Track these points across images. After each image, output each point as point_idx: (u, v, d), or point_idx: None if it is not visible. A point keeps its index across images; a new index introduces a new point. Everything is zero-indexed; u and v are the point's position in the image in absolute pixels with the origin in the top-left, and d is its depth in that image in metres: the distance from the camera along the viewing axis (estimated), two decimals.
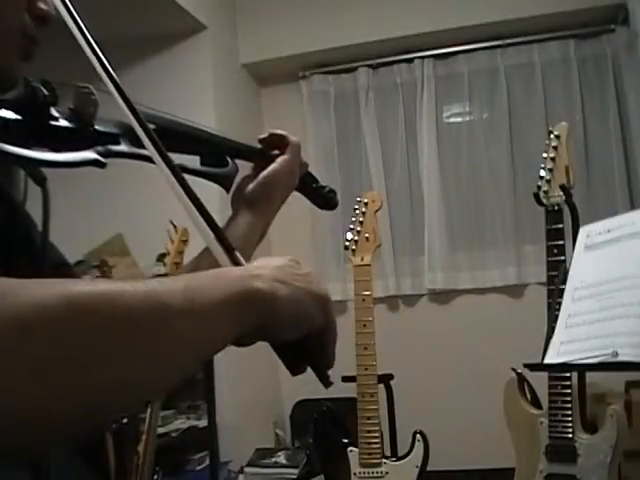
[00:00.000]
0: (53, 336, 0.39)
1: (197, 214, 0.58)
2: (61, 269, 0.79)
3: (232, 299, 0.49)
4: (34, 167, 0.55)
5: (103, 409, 0.43)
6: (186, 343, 0.46)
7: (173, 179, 0.57)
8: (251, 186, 0.95)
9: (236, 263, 0.58)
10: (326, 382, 0.61)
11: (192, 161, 0.84)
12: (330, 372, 0.62)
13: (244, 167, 0.99)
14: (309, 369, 0.62)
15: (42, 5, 0.62)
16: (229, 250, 0.59)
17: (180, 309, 0.45)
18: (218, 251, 0.58)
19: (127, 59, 3.39)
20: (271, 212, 0.96)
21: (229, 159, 0.92)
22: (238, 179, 0.95)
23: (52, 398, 0.39)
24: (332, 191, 1.08)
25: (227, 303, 0.49)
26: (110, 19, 3.19)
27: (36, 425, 0.39)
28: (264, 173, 0.95)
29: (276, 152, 0.97)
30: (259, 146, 0.98)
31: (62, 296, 0.41)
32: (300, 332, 0.56)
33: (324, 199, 1.08)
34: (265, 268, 0.55)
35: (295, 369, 0.60)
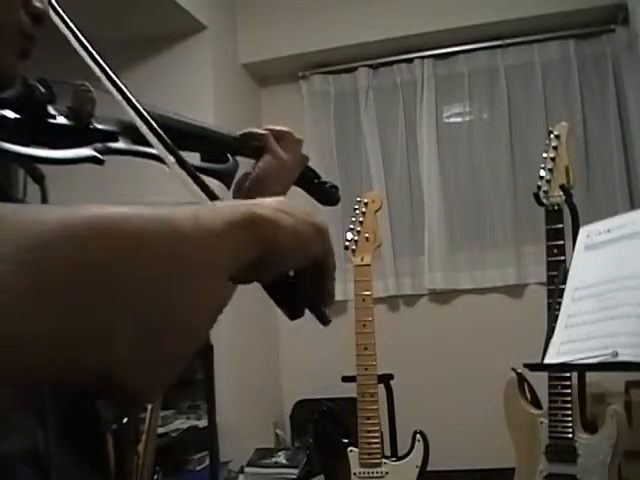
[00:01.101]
0: (62, 256, 0.39)
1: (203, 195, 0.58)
2: None
3: (237, 223, 0.49)
4: (32, 165, 0.55)
5: (112, 335, 0.42)
6: (194, 265, 0.46)
7: (175, 162, 0.57)
8: (247, 184, 0.95)
9: None
10: (325, 320, 0.61)
11: (192, 158, 0.84)
12: (328, 310, 0.61)
13: (245, 163, 0.99)
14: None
15: (38, 4, 0.62)
16: None
17: (190, 230, 0.46)
18: None
19: (127, 59, 3.39)
20: None
21: (229, 155, 0.92)
22: (238, 175, 0.95)
23: (61, 324, 0.38)
24: (334, 187, 1.08)
25: (232, 226, 0.49)
26: (110, 19, 3.19)
27: (38, 355, 0.38)
28: (258, 166, 0.95)
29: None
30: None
31: (72, 216, 0.40)
32: (300, 261, 0.56)
33: (326, 195, 1.07)
34: (266, 201, 0.55)
35: (294, 312, 0.59)
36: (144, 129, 0.58)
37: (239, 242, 0.49)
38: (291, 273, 0.58)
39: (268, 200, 0.55)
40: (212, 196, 0.59)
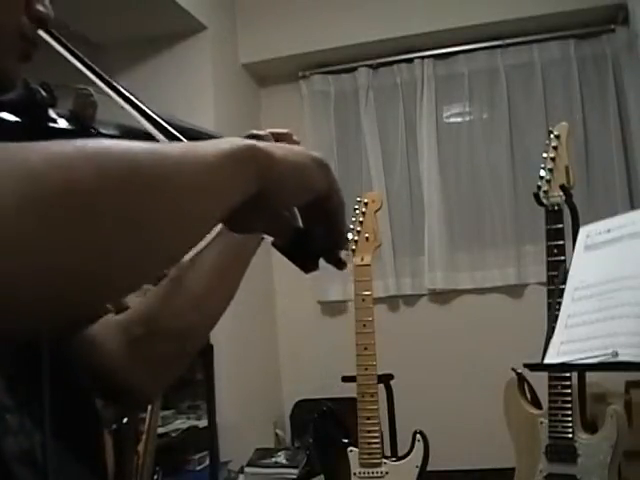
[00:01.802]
0: (63, 189, 0.38)
1: None
2: None
3: (232, 153, 0.49)
4: None
5: (111, 264, 0.42)
6: (191, 196, 0.46)
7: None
8: None
9: None
10: (341, 265, 0.59)
11: None
12: (343, 254, 0.59)
13: None
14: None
15: (40, 7, 0.62)
16: None
17: (185, 159, 0.46)
18: None
19: (127, 59, 3.39)
20: None
21: None
22: None
23: (60, 251, 0.38)
24: None
25: (227, 156, 0.49)
26: (110, 19, 3.20)
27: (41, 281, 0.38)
28: None
29: None
30: None
31: (73, 148, 0.40)
32: (303, 195, 0.55)
33: None
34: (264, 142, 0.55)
35: (308, 264, 0.57)
36: (151, 129, 0.58)
37: (235, 171, 0.49)
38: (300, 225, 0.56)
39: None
40: None
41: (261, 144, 0.52)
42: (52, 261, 0.38)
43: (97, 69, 0.62)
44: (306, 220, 0.57)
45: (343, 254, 0.59)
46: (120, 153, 0.42)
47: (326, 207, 0.57)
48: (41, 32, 0.62)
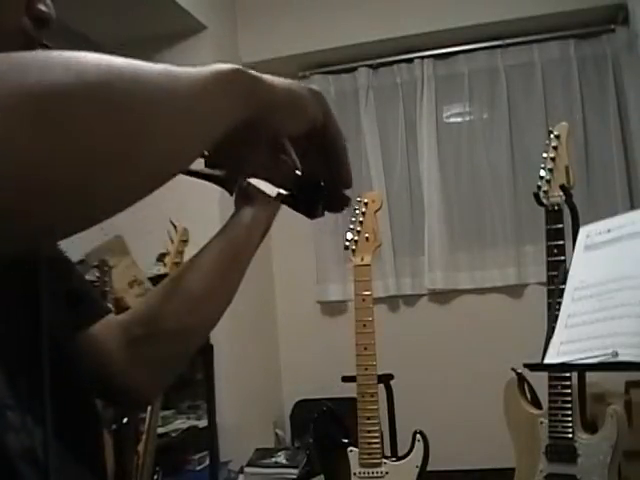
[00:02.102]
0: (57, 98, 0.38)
1: None
2: (61, 264, 0.79)
3: (214, 74, 0.48)
4: None
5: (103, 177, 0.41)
6: (167, 119, 0.44)
7: None
8: (250, 187, 0.94)
9: None
10: (347, 202, 0.57)
11: (197, 163, 0.83)
12: (348, 192, 0.57)
13: None
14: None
15: (42, 7, 0.62)
16: None
17: (165, 79, 0.45)
18: None
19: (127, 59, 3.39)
20: (270, 205, 0.95)
21: None
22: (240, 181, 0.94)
23: (37, 156, 0.37)
24: None
25: (210, 80, 0.47)
26: (110, 19, 3.19)
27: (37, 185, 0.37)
28: None
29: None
30: None
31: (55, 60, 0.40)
32: (299, 123, 0.53)
33: None
34: None
35: (312, 209, 0.56)
36: None
37: (219, 92, 0.48)
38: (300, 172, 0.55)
39: None
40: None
41: (248, 69, 0.51)
42: (29, 169, 0.36)
43: None
44: (306, 163, 0.55)
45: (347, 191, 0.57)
46: (100, 63, 0.41)
47: (324, 140, 0.56)
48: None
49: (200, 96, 0.47)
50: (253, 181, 0.73)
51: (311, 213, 0.56)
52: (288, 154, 0.56)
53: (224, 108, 0.48)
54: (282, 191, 0.57)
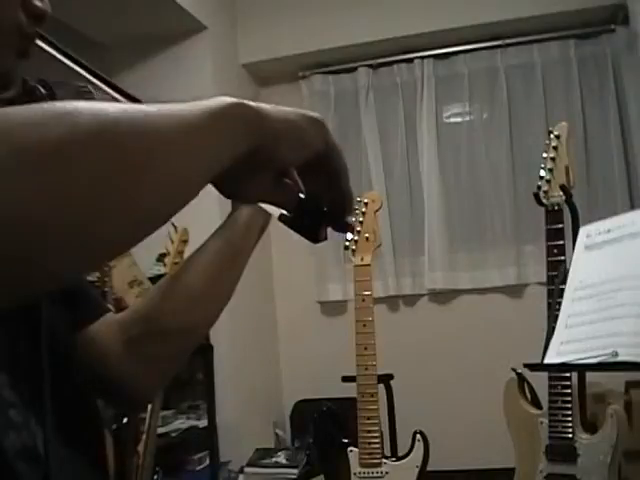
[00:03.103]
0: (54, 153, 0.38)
1: None
2: None
3: (214, 112, 0.48)
4: None
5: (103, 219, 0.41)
6: (166, 160, 0.45)
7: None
8: None
9: None
10: (348, 229, 0.58)
11: None
12: (349, 219, 0.57)
13: None
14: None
15: (37, 3, 0.62)
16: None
17: (162, 119, 0.45)
18: None
19: (127, 59, 3.39)
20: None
21: None
22: None
23: (33, 202, 0.38)
24: None
25: (209, 116, 0.48)
26: (110, 19, 3.20)
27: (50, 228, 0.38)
28: None
29: None
30: None
31: (49, 112, 0.40)
32: (299, 152, 0.54)
33: None
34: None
35: (315, 233, 0.56)
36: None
37: (220, 129, 0.48)
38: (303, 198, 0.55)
39: None
40: None
41: (251, 103, 0.51)
42: (23, 213, 0.37)
43: (94, 69, 0.61)
44: (309, 187, 0.56)
45: (349, 219, 0.58)
46: (93, 110, 0.41)
47: (327, 168, 0.56)
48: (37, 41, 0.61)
49: (202, 134, 0.47)
50: None
51: (313, 237, 0.57)
52: (291, 177, 0.56)
53: (226, 144, 0.49)
54: (285, 212, 0.57)
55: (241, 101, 0.50)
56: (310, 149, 0.54)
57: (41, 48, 0.60)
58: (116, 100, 0.60)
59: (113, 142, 0.41)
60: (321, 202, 0.56)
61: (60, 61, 0.60)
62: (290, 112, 0.54)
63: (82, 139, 0.40)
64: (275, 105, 0.54)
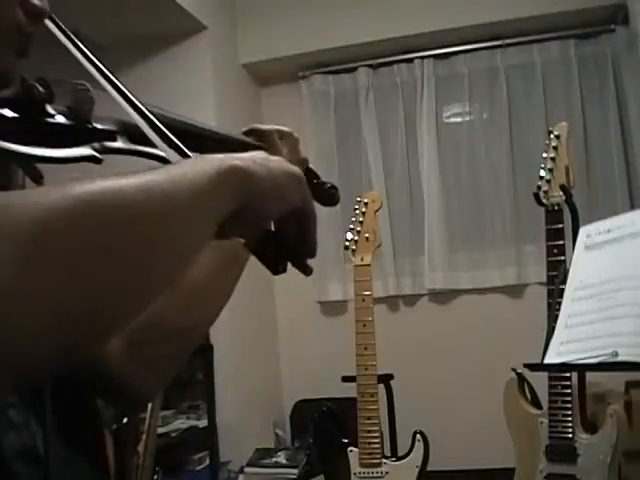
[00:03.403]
0: (63, 238, 0.41)
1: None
2: None
3: (215, 177, 0.52)
4: (30, 164, 0.55)
5: (111, 306, 0.44)
6: (179, 227, 0.48)
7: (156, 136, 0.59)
8: None
9: None
10: (307, 271, 0.61)
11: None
12: (309, 262, 0.62)
13: None
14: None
15: (36, 1, 0.62)
16: None
17: (177, 192, 0.48)
18: None
19: (127, 59, 3.39)
20: None
21: None
22: None
23: (65, 299, 0.40)
24: (333, 187, 1.08)
25: (211, 181, 0.51)
26: (110, 19, 3.19)
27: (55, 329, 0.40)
28: None
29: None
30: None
31: (65, 198, 0.42)
32: (279, 209, 0.58)
33: (325, 195, 1.07)
34: (240, 154, 0.57)
35: (276, 266, 0.60)
36: (144, 127, 0.58)
37: (219, 194, 0.52)
38: (272, 228, 0.59)
39: (243, 154, 0.57)
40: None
41: (242, 162, 0.54)
42: (55, 302, 0.40)
43: (95, 60, 0.61)
44: (278, 224, 0.60)
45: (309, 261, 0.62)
46: (109, 195, 0.44)
47: (299, 218, 0.60)
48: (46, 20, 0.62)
49: (207, 200, 0.51)
50: None
51: (274, 268, 0.60)
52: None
53: (223, 205, 0.53)
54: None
55: (236, 164, 0.54)
56: (289, 203, 0.58)
57: (48, 38, 0.60)
58: (116, 101, 0.60)
59: (129, 226, 0.44)
60: (287, 239, 0.60)
61: (65, 47, 0.60)
62: (273, 168, 0.57)
63: (105, 232, 0.43)
64: (263, 159, 0.57)
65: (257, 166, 0.56)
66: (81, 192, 0.43)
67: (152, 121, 0.60)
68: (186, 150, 0.60)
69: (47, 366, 0.43)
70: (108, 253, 0.42)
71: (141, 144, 0.61)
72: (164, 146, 0.60)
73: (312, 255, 0.61)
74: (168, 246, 0.47)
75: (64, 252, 0.40)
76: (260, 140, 0.95)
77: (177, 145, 0.60)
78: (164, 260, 0.47)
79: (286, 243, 0.59)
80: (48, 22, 0.62)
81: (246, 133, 0.95)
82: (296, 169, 0.60)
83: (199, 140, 0.83)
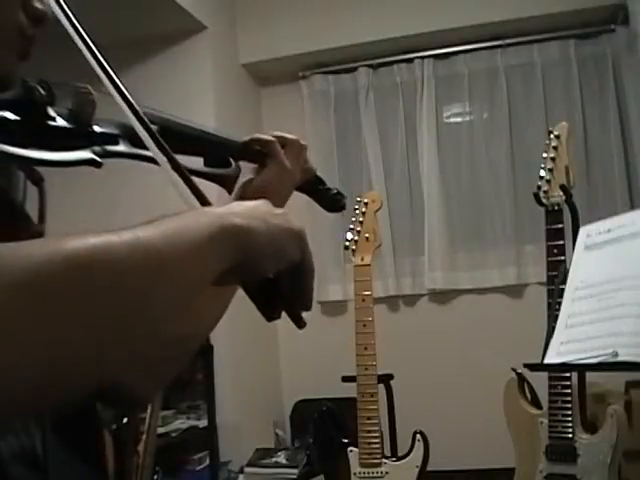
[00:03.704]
0: (48, 295, 0.40)
1: (195, 200, 0.59)
2: None
3: (212, 236, 0.51)
4: (31, 166, 0.55)
5: (98, 361, 0.44)
6: (175, 284, 0.48)
7: (170, 167, 0.58)
8: (250, 191, 0.94)
9: None
10: (301, 324, 0.61)
11: (196, 162, 0.83)
12: (304, 314, 0.62)
13: (247, 167, 0.98)
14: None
15: (37, 4, 0.62)
16: None
17: (167, 251, 0.47)
18: None
19: (127, 59, 3.39)
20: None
21: (232, 160, 0.91)
22: (240, 180, 0.94)
23: (55, 358, 0.40)
24: (339, 193, 1.08)
25: (207, 241, 0.50)
26: (110, 19, 3.19)
27: (49, 386, 0.41)
28: (261, 176, 0.94)
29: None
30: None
31: (56, 255, 0.42)
32: (276, 267, 0.57)
33: (331, 202, 1.08)
34: (241, 207, 0.56)
35: (270, 313, 0.60)
36: (141, 131, 0.58)
37: (216, 253, 0.51)
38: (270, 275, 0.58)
39: (244, 206, 0.56)
40: (204, 201, 0.60)
41: (241, 220, 0.53)
42: (47, 354, 0.40)
43: (98, 53, 0.61)
44: (276, 277, 0.59)
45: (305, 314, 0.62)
46: (99, 254, 0.44)
47: (297, 273, 0.59)
48: (54, 5, 0.61)
49: (203, 260, 0.50)
50: None
51: (268, 316, 0.60)
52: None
53: (219, 263, 0.52)
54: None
55: (233, 223, 0.52)
56: (287, 259, 0.58)
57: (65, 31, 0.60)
58: (116, 102, 0.60)
59: (123, 288, 0.44)
60: (284, 289, 0.59)
61: (73, 42, 0.60)
62: (273, 226, 0.56)
63: (100, 293, 0.43)
64: (264, 213, 0.56)
65: (257, 222, 0.54)
66: (71, 250, 0.42)
67: (148, 126, 0.59)
68: (178, 160, 0.60)
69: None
70: (93, 314, 0.42)
71: (143, 148, 0.60)
72: (158, 153, 0.59)
73: (307, 309, 0.61)
74: (159, 302, 0.46)
75: (47, 315, 0.40)
76: (263, 149, 0.94)
77: (171, 154, 0.59)
78: (152, 317, 0.47)
79: (282, 293, 0.59)
80: (52, 3, 0.61)
81: (247, 143, 0.95)
82: (297, 225, 0.59)
83: (200, 144, 0.83)
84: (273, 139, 0.96)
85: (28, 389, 0.40)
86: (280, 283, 0.58)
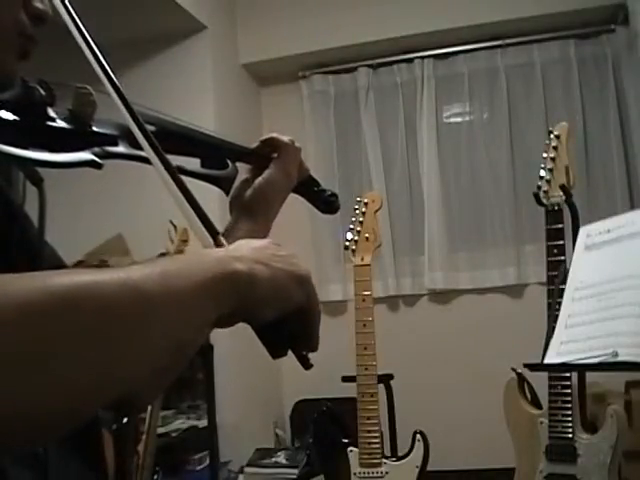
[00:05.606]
0: (34, 332, 0.40)
1: (189, 208, 0.58)
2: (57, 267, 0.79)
3: (210, 282, 0.49)
4: (30, 167, 0.55)
5: (84, 402, 0.43)
6: (164, 329, 0.46)
7: (167, 176, 0.58)
8: (248, 193, 0.94)
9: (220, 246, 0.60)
10: (307, 365, 0.62)
11: (193, 163, 0.83)
12: (310, 354, 0.62)
13: (243, 169, 0.98)
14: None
15: (38, 4, 0.62)
16: (214, 236, 0.61)
17: (158, 295, 0.46)
18: (204, 236, 0.60)
19: (127, 59, 3.39)
20: (270, 216, 0.96)
21: (229, 161, 0.91)
22: (237, 182, 0.94)
23: (34, 393, 0.40)
24: (334, 195, 1.08)
25: (205, 287, 0.49)
26: (110, 19, 3.19)
27: (31, 419, 0.40)
28: (259, 180, 0.94)
29: (274, 155, 0.96)
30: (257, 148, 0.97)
31: (40, 291, 0.41)
32: (280, 312, 0.56)
33: (325, 203, 1.07)
34: (245, 249, 0.55)
35: (276, 352, 0.60)
36: (136, 132, 0.58)
37: (214, 301, 0.50)
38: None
39: (249, 249, 0.55)
40: (195, 205, 0.59)
41: (244, 266, 0.52)
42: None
43: (98, 52, 0.61)
44: (283, 319, 0.58)
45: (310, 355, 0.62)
46: (85, 293, 0.43)
47: (303, 316, 0.59)
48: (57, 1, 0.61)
49: (197, 307, 0.49)
50: None
51: (274, 354, 0.61)
52: None
53: (216, 312, 0.51)
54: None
55: (235, 269, 0.51)
56: (292, 304, 0.57)
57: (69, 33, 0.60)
58: (114, 103, 0.60)
59: (115, 328, 0.43)
60: (290, 328, 0.59)
61: (75, 41, 0.60)
62: (277, 270, 0.55)
63: (85, 331, 0.42)
64: (269, 256, 0.55)
65: (260, 268, 0.53)
66: (58, 286, 0.41)
67: (143, 126, 0.59)
68: (173, 167, 0.59)
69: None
70: (78, 351, 0.41)
71: (142, 149, 0.60)
72: (153, 155, 0.59)
73: (313, 350, 0.61)
74: (146, 343, 0.46)
75: (32, 353, 0.39)
76: (276, 150, 0.94)
77: (163, 156, 0.59)
78: (139, 355, 0.46)
79: (288, 335, 0.59)
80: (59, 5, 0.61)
81: (264, 142, 0.95)
82: (303, 267, 0.59)
83: (197, 145, 0.83)
84: (291, 141, 0.96)
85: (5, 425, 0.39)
86: (286, 324, 0.58)
